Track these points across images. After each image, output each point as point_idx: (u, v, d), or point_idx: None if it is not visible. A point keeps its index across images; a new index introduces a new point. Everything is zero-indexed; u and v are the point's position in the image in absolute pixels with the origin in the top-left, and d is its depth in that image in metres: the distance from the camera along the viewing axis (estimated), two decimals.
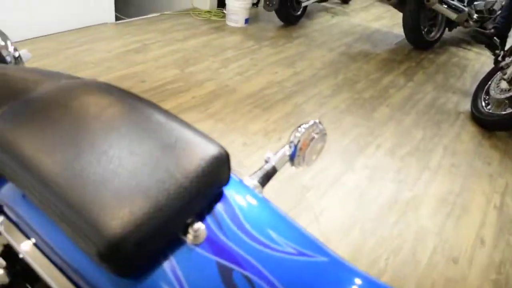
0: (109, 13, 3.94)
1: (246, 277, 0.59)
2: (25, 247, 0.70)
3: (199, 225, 0.61)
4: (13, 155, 0.63)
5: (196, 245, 0.61)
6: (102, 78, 2.88)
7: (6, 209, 0.73)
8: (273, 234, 0.63)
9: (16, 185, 0.66)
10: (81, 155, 0.61)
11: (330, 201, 1.98)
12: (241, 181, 0.73)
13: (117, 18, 4.06)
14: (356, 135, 2.56)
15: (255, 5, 4.76)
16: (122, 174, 0.58)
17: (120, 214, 0.53)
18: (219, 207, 0.65)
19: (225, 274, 0.59)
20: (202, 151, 0.63)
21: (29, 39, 3.38)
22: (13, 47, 1.15)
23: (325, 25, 4.64)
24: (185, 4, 4.65)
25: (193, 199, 0.60)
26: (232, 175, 0.70)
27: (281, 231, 0.64)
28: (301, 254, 0.62)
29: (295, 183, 2.06)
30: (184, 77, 3.04)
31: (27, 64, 1.27)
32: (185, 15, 4.40)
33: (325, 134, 0.91)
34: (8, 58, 1.13)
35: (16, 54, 1.16)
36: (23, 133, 0.65)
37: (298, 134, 0.89)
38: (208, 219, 0.63)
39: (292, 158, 0.90)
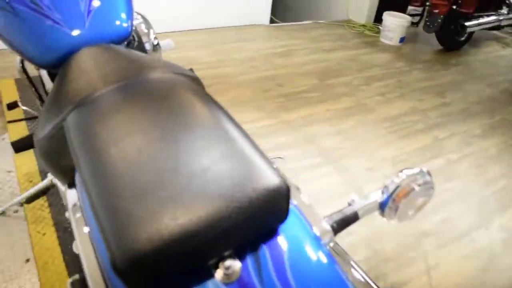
0: (265, 15, 4.08)
1: None
2: (79, 234, 0.70)
3: (232, 263, 0.53)
4: (83, 140, 0.63)
5: (225, 284, 0.53)
6: (243, 77, 2.98)
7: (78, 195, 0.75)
8: None
9: (77, 170, 0.65)
10: (138, 156, 0.57)
11: (450, 256, 1.73)
12: (306, 223, 0.63)
13: (271, 21, 4.17)
14: (501, 188, 2.21)
15: (414, 24, 4.47)
16: (165, 187, 0.53)
17: (146, 229, 0.48)
18: (266, 247, 0.56)
19: None
20: (257, 181, 0.54)
21: (189, 30, 3.65)
22: (154, 35, 1.21)
23: (491, 56, 4.14)
24: (341, 15, 4.58)
25: (231, 232, 0.52)
26: (297, 212, 0.60)
27: None
28: None
29: (414, 224, 1.84)
30: (322, 88, 2.97)
31: (171, 53, 1.32)
32: (339, 26, 4.33)
33: (431, 188, 0.74)
34: (148, 46, 1.19)
35: (155, 42, 1.21)
36: (102, 122, 0.65)
37: (396, 180, 0.73)
38: (248, 258, 0.55)
39: (382, 206, 0.74)
